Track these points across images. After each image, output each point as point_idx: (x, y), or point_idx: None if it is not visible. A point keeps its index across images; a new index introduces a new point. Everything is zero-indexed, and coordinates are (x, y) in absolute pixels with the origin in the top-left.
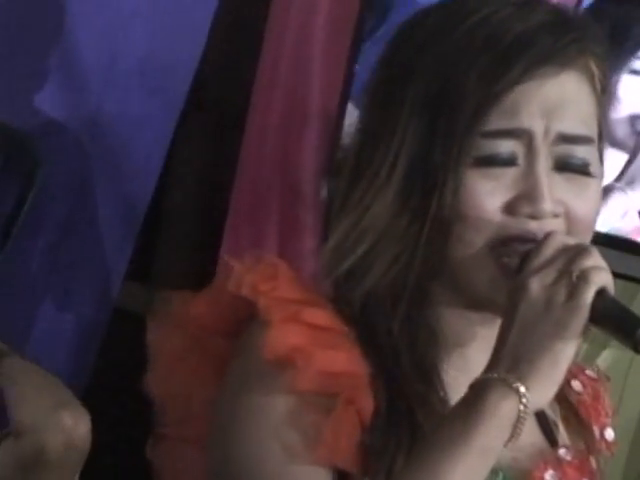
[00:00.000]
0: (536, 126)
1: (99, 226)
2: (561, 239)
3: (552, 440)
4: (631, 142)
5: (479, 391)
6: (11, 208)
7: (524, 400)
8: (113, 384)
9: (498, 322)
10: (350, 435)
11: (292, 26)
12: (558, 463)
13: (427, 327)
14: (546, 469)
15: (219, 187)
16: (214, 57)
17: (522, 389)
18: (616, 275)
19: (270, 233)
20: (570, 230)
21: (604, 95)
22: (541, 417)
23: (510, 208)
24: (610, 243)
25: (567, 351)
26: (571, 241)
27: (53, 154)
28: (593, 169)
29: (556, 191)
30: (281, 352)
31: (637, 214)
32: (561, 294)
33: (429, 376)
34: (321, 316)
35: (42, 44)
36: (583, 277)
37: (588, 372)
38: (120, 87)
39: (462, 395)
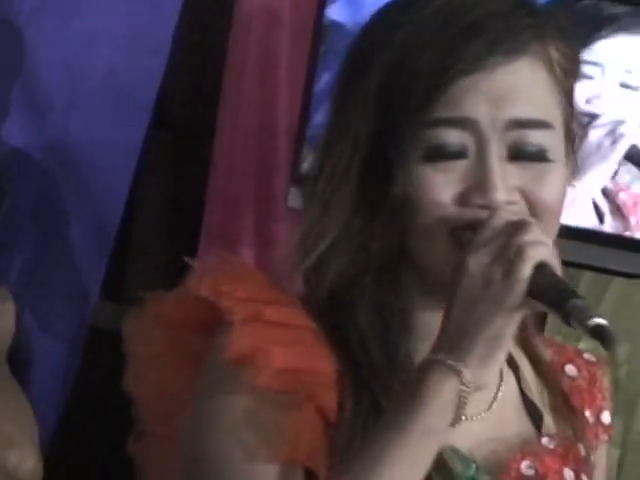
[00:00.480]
0: (482, 115)
1: (72, 247)
2: (504, 216)
3: (540, 429)
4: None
5: (421, 373)
6: None
7: (464, 379)
8: (89, 402)
9: None
10: (312, 432)
11: (255, 40)
12: (537, 453)
13: (398, 318)
14: (523, 459)
15: (189, 204)
16: (177, 75)
17: (461, 368)
18: (588, 267)
19: (244, 247)
20: (534, 214)
21: (569, 79)
22: (529, 405)
23: (463, 199)
24: (582, 236)
25: (506, 328)
26: (514, 218)
27: (22, 178)
28: (551, 154)
29: (511, 179)
30: (241, 352)
31: (591, 204)
32: (498, 271)
33: (403, 367)
34: (285, 314)
35: (4, 71)
36: (519, 252)
37: (586, 355)
38: (84, 109)
39: None
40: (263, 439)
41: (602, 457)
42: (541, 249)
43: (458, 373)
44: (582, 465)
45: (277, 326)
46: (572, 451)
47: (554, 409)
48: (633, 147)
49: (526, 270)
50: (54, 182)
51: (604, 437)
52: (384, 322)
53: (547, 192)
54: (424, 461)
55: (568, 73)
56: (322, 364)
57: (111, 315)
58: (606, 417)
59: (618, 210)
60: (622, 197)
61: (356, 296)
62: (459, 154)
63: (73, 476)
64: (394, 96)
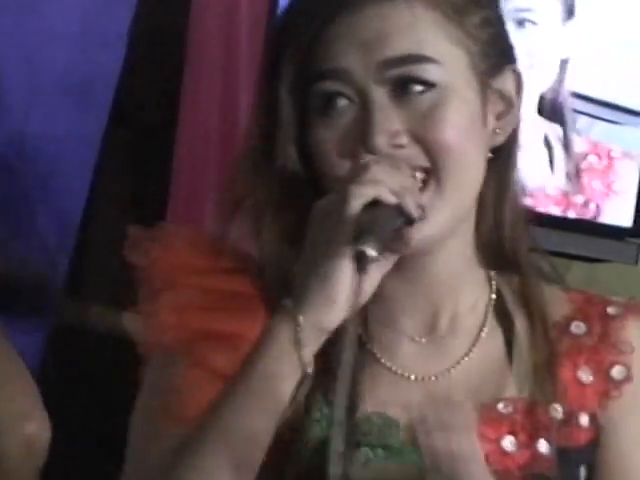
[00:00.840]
0: (353, 63)
1: (33, 244)
2: (360, 162)
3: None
4: None
5: (270, 320)
6: None
7: (299, 322)
8: (54, 397)
9: (424, 279)
10: (206, 392)
11: (214, 29)
12: (479, 420)
13: None
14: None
15: (150, 201)
16: (136, 71)
17: (296, 312)
18: (548, 252)
19: None
20: (430, 156)
21: (466, 16)
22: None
23: (353, 153)
24: (542, 222)
25: (338, 270)
26: (366, 161)
27: None
28: (439, 89)
29: (395, 122)
30: (152, 315)
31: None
32: (333, 214)
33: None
34: (216, 280)
35: None
36: (346, 193)
37: (610, 309)
38: (43, 106)
39: (385, 349)
40: (161, 399)
41: (621, 413)
42: (370, 188)
43: (293, 316)
44: (544, 431)
45: (200, 291)
46: (535, 416)
47: (535, 370)
48: None
49: (350, 209)
50: (15, 179)
51: (615, 393)
52: None
53: (437, 129)
54: (268, 407)
55: (463, 10)
56: (240, 327)
57: (72, 312)
58: (618, 372)
59: (577, 172)
60: (591, 160)
61: (284, 262)
62: (341, 106)
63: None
64: (279, 52)
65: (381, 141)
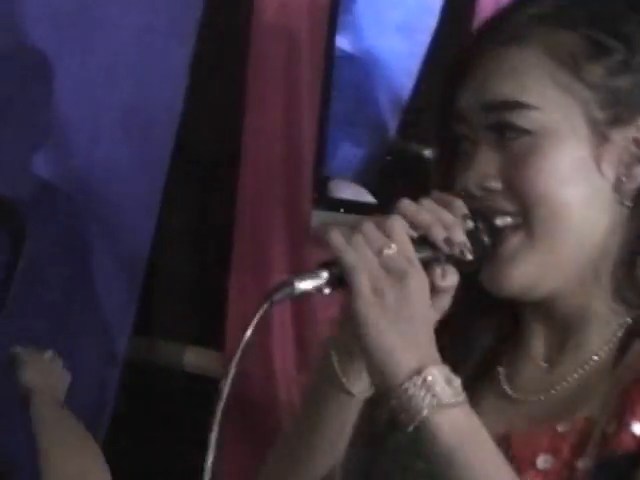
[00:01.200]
0: (464, 104)
1: (101, 283)
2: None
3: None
4: None
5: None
6: (1, 275)
7: (330, 347)
8: (125, 433)
9: (555, 315)
10: None
11: (275, 63)
12: (526, 439)
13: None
14: (504, 446)
15: (214, 234)
16: (198, 106)
17: (330, 340)
18: None
19: (275, 273)
20: (520, 202)
21: (584, 64)
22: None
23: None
24: None
25: (351, 312)
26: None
27: (48, 216)
28: (536, 136)
29: (491, 165)
30: None
31: None
32: None
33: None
34: None
35: (30, 111)
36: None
37: None
38: (106, 142)
39: (510, 373)
40: None
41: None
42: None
43: (326, 341)
44: (588, 447)
45: None
46: (586, 434)
47: (610, 391)
48: None
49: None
50: (81, 217)
51: None
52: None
53: (528, 176)
54: (316, 422)
55: (582, 57)
56: None
57: (140, 348)
58: None
59: None
60: None
61: None
62: (465, 148)
63: None
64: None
65: (471, 184)
